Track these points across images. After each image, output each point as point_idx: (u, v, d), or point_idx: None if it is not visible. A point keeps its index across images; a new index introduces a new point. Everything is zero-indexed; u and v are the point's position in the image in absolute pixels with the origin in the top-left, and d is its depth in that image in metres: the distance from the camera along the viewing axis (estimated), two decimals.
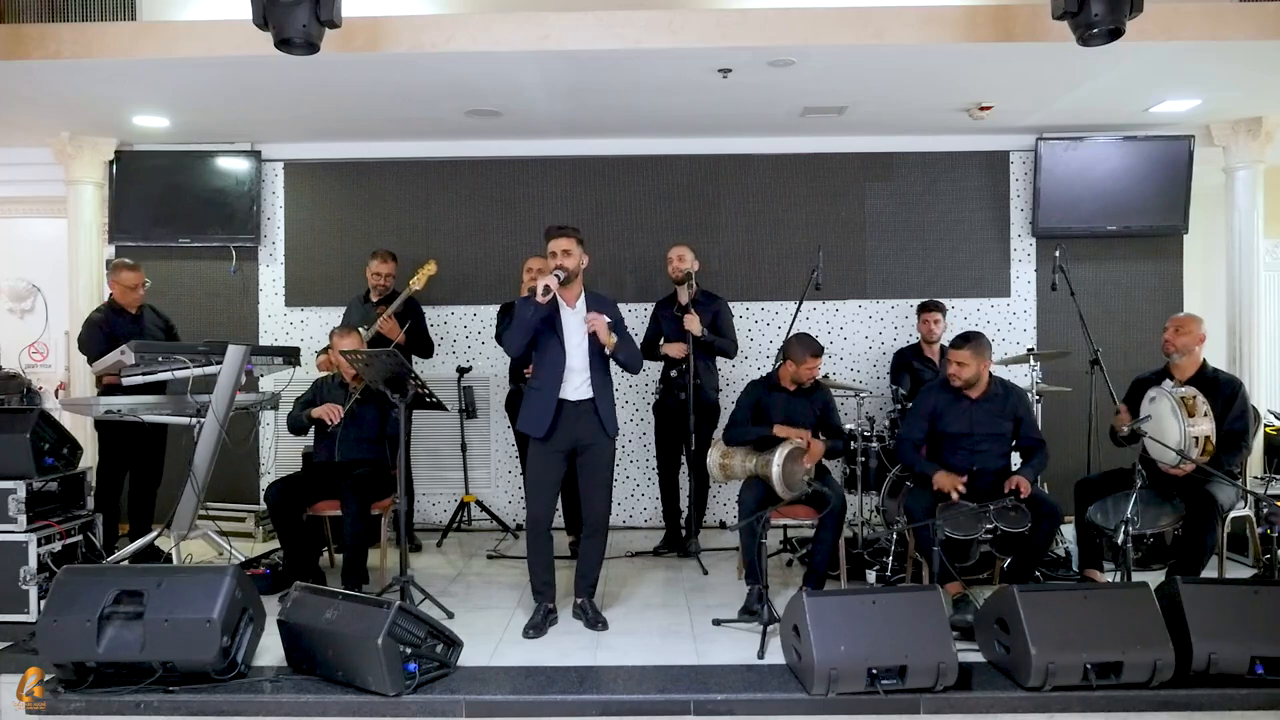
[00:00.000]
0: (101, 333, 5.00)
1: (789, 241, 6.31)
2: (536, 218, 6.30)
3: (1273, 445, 5.86)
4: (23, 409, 5.25)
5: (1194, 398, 4.24)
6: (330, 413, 4.72)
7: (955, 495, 4.20)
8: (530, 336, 4.06)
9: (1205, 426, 4.18)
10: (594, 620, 4.18)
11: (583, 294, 4.19)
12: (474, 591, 4.78)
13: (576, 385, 4.12)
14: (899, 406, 5.35)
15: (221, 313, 6.38)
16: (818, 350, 4.62)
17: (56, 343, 6.55)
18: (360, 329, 5.17)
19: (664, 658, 3.79)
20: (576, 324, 4.12)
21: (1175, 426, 4.19)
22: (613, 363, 4.22)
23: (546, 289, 3.92)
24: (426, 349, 5.72)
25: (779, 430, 4.50)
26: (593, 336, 4.08)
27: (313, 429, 4.95)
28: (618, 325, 4.17)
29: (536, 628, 4.08)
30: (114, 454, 5.08)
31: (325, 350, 5.45)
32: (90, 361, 5.00)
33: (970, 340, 4.40)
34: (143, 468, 5.21)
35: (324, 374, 5.24)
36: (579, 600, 4.27)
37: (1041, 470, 4.45)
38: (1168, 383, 4.41)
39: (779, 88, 5.18)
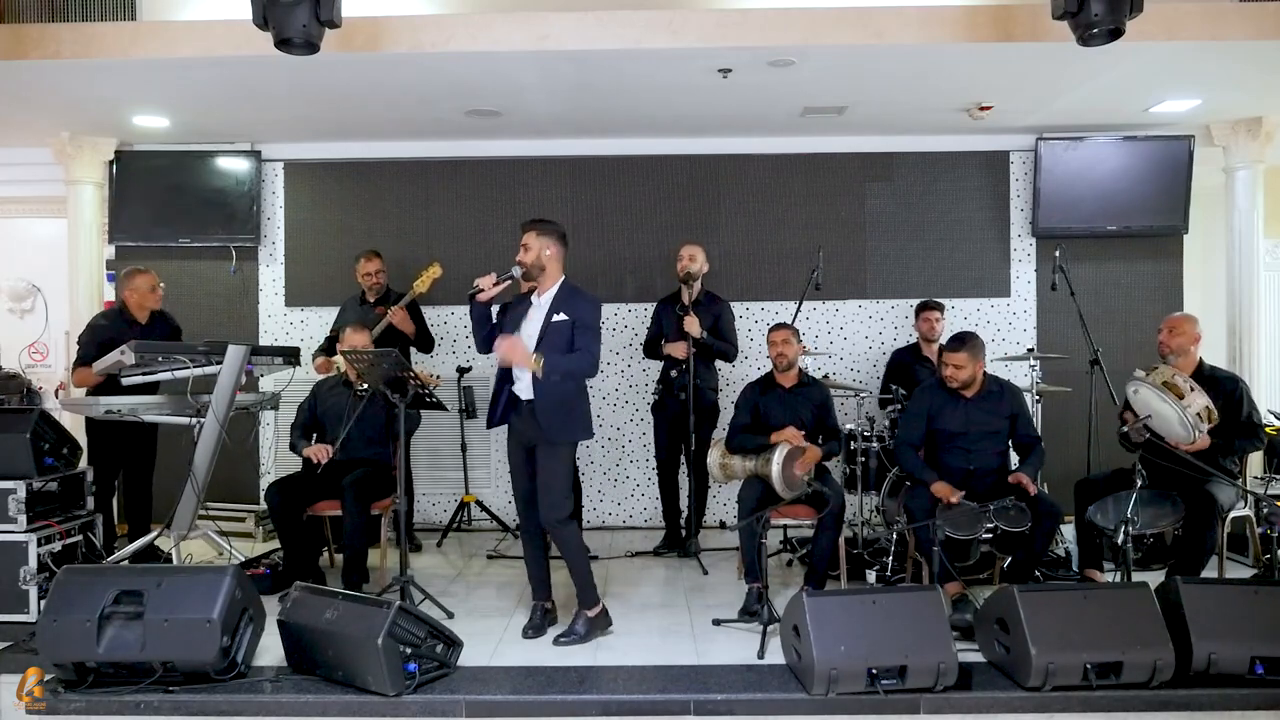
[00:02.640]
0: (97, 338, 4.97)
1: (789, 241, 6.30)
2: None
3: (1273, 445, 5.85)
4: (23, 409, 5.25)
5: (1172, 377, 4.23)
6: (318, 453, 4.67)
7: (954, 500, 4.19)
8: (484, 332, 3.97)
9: (1199, 399, 4.16)
10: (583, 634, 3.96)
11: (555, 287, 3.98)
12: (474, 591, 4.78)
13: (525, 383, 3.91)
14: (900, 406, 5.34)
15: (221, 313, 6.37)
16: (779, 325, 4.78)
17: (56, 343, 6.55)
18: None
19: (664, 658, 3.79)
20: (536, 317, 3.96)
21: (1171, 411, 4.18)
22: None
23: (477, 289, 3.87)
24: (428, 344, 5.71)
25: (775, 437, 4.50)
26: (546, 334, 3.88)
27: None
28: (584, 324, 3.91)
29: (536, 628, 4.06)
30: (105, 453, 5.05)
31: (321, 351, 5.45)
32: (78, 363, 5.00)
33: (966, 342, 4.41)
34: (134, 466, 5.21)
35: (322, 376, 5.24)
36: (581, 611, 4.05)
37: (1039, 467, 4.45)
38: (1139, 372, 4.39)
39: (779, 88, 5.18)
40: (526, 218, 6.13)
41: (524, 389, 3.91)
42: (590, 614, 4.01)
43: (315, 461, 4.68)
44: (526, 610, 4.24)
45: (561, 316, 3.91)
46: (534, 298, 4.01)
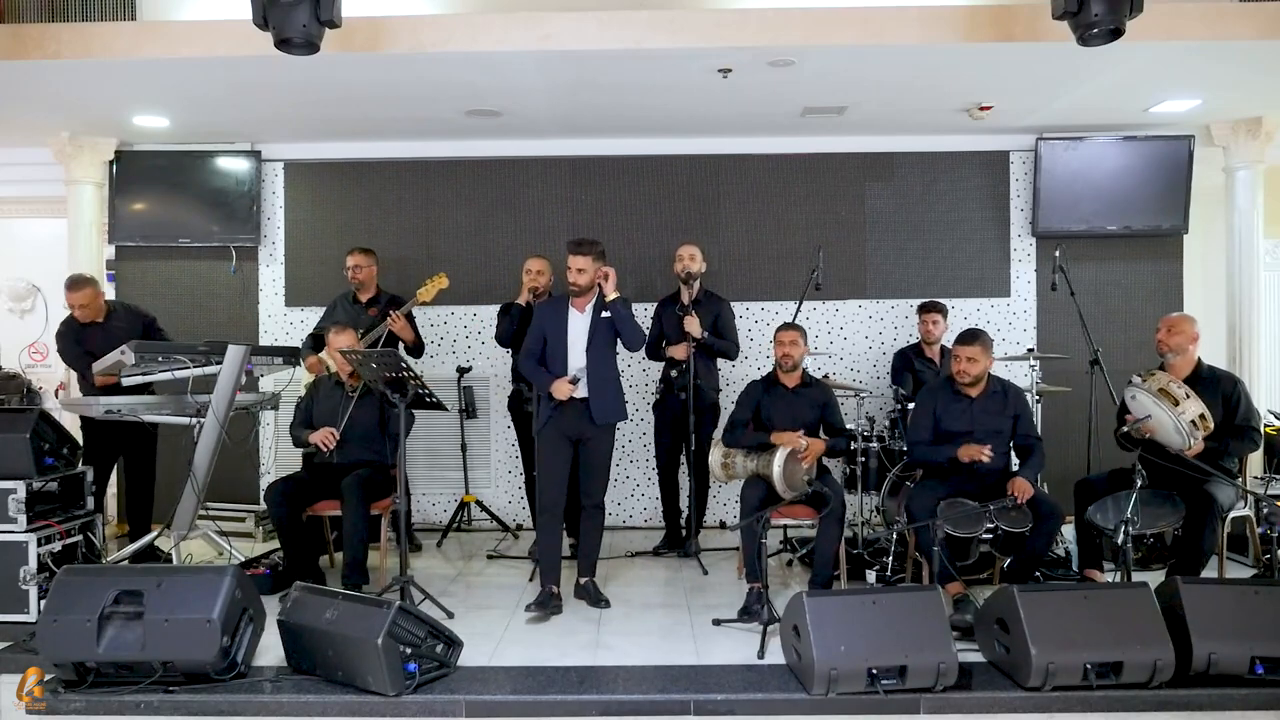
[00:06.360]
0: (71, 341, 5.01)
1: (789, 241, 6.30)
2: (536, 218, 6.32)
3: (1272, 445, 5.85)
4: (23, 409, 5.25)
5: (1167, 384, 4.24)
6: (325, 438, 4.71)
7: (986, 458, 4.24)
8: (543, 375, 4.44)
9: (1193, 406, 4.18)
10: (596, 599, 4.42)
11: (595, 299, 4.38)
12: (474, 591, 4.78)
13: (581, 385, 4.35)
14: (899, 406, 5.35)
15: (221, 313, 6.37)
16: (788, 325, 4.83)
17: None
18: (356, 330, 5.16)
19: (664, 658, 3.79)
20: (580, 329, 4.35)
21: (1166, 418, 4.19)
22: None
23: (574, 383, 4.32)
24: (419, 350, 5.67)
25: (775, 438, 4.51)
26: (595, 333, 4.34)
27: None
28: (626, 317, 4.36)
29: (541, 606, 4.21)
30: (97, 452, 5.02)
31: (309, 350, 5.42)
32: (80, 374, 5.02)
33: (979, 336, 4.44)
34: (134, 466, 5.21)
35: (316, 375, 5.22)
36: (582, 580, 4.48)
37: (1040, 470, 4.46)
38: (1135, 378, 4.41)
39: (779, 88, 5.18)
40: (526, 218, 6.31)
41: (580, 389, 4.36)
42: (596, 580, 4.53)
43: (323, 448, 4.70)
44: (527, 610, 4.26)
45: (604, 315, 4.38)
46: (576, 310, 4.40)
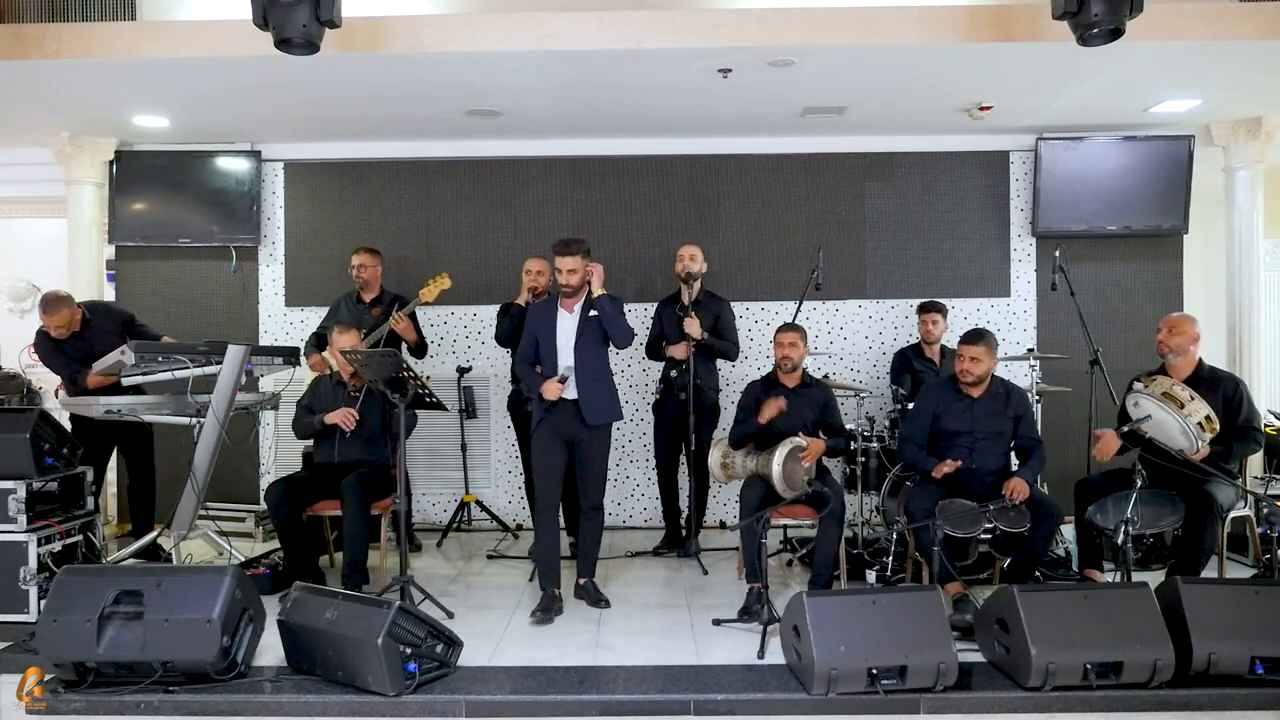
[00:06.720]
0: (50, 349, 4.98)
1: (789, 241, 6.30)
2: (536, 218, 6.31)
3: (1273, 445, 5.85)
4: (23, 409, 5.25)
5: (1170, 387, 4.24)
6: (345, 418, 4.72)
7: (950, 468, 4.26)
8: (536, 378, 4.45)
9: (1199, 408, 4.18)
10: (596, 599, 4.42)
11: (584, 298, 4.36)
12: (474, 591, 4.78)
13: (570, 384, 4.34)
14: (899, 406, 5.35)
15: (221, 313, 6.37)
16: (788, 326, 4.82)
17: None
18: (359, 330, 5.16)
19: (664, 658, 3.79)
20: (569, 328, 4.34)
21: (1173, 422, 4.19)
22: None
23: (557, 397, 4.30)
24: (423, 350, 5.68)
25: (763, 415, 4.52)
26: (584, 332, 4.32)
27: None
28: (613, 314, 4.33)
29: (545, 610, 4.19)
30: (90, 451, 4.98)
31: (312, 348, 5.42)
32: (70, 382, 5.01)
33: (984, 336, 4.44)
34: (135, 467, 5.20)
35: (319, 374, 5.22)
36: (581, 581, 4.48)
37: (1040, 470, 4.45)
38: (1137, 384, 4.41)
39: (779, 88, 5.18)
40: (526, 218, 6.30)
41: (568, 390, 4.33)
42: (596, 580, 4.52)
43: (344, 427, 4.71)
44: (526, 610, 4.27)
45: (593, 314, 4.36)
46: (565, 310, 4.38)
